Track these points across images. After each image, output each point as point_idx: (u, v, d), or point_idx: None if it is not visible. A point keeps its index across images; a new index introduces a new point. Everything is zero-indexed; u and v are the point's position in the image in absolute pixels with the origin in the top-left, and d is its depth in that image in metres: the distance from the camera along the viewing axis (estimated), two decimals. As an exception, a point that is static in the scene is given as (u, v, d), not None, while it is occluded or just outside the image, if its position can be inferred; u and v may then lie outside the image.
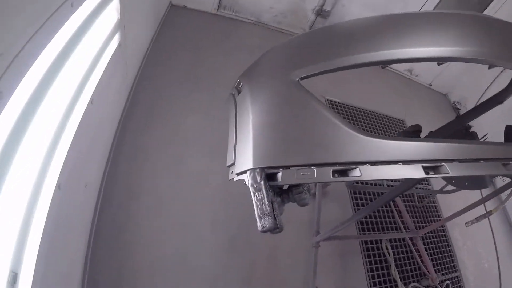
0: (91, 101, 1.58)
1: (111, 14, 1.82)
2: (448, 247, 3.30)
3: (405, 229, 2.95)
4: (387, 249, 2.72)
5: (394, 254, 2.79)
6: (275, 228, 0.69)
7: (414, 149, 0.74)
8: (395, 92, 4.86)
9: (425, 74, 5.34)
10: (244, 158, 0.80)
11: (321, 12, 4.16)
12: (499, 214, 4.39)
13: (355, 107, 3.98)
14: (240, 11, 4.13)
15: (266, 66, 1.22)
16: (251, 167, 0.74)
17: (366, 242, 2.69)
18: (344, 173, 0.69)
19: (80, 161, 1.58)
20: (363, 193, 3.03)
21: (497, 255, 3.49)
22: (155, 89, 2.85)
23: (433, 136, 1.54)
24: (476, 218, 2.28)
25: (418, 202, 3.34)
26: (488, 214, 2.27)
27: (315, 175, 0.68)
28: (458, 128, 1.46)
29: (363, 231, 2.77)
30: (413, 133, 1.53)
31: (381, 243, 2.74)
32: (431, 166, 0.70)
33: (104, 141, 2.21)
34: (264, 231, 0.68)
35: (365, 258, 2.60)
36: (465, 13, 1.20)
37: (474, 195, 2.16)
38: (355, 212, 2.85)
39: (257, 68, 1.23)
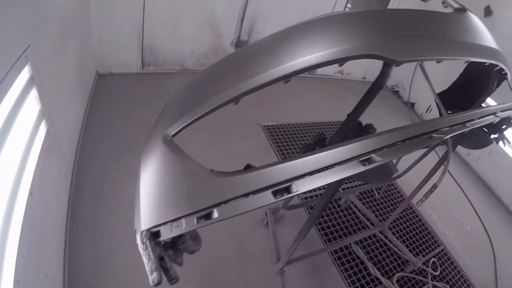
0: (31, 193, 1.58)
1: (32, 106, 1.83)
2: (423, 226, 3.36)
3: (372, 225, 2.99)
4: (358, 251, 2.73)
5: (369, 253, 2.80)
6: (171, 279, 0.75)
7: (263, 176, 0.77)
8: (332, 96, 5.05)
9: (356, 71, 5.63)
10: (138, 223, 0.83)
11: (239, 44, 4.34)
12: (467, 174, 4.55)
13: (294, 125, 4.08)
14: (164, 64, 4.23)
15: (155, 125, 1.25)
16: (141, 230, 0.77)
17: (336, 251, 2.69)
18: (208, 216, 0.73)
19: (35, 253, 1.58)
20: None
21: (476, 212, 3.56)
22: (98, 162, 2.83)
23: (332, 143, 1.58)
24: (424, 196, 2.29)
25: (378, 195, 3.40)
26: (433, 188, 2.29)
27: (184, 226, 0.72)
28: (350, 127, 1.49)
29: (330, 241, 2.77)
30: (315, 144, 1.57)
31: (351, 248, 2.75)
32: (282, 188, 0.73)
33: (56, 227, 2.15)
34: (155, 285, 0.72)
35: (339, 267, 2.59)
36: (339, 14, 1.26)
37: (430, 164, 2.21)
38: (318, 229, 2.86)
39: (152, 129, 1.26)
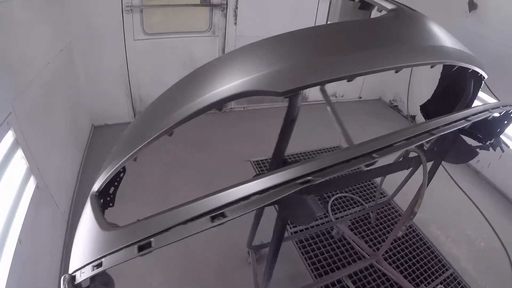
0: (20, 241, 1.72)
1: (19, 164, 1.97)
2: (429, 249, 3.12)
3: (368, 255, 2.85)
4: (350, 285, 2.59)
5: (365, 285, 2.65)
6: None
7: (137, 230, 0.80)
8: (324, 122, 4.94)
9: (349, 92, 5.56)
10: None
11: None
12: (478, 183, 4.22)
13: (285, 156, 4.02)
14: (154, 110, 4.38)
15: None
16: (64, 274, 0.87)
17: (327, 287, 2.57)
18: (100, 265, 0.80)
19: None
20: (310, 238, 2.98)
21: (489, 224, 3.25)
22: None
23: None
24: (404, 225, 2.16)
25: (372, 221, 3.25)
26: (413, 216, 2.13)
27: (85, 272, 0.81)
28: (276, 166, 1.44)
29: (321, 276, 2.65)
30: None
31: (344, 282, 2.62)
32: (142, 245, 0.76)
33: (50, 273, 2.22)
34: None
35: (331, 306, 2.47)
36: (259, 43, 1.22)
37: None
38: (308, 264, 2.76)
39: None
